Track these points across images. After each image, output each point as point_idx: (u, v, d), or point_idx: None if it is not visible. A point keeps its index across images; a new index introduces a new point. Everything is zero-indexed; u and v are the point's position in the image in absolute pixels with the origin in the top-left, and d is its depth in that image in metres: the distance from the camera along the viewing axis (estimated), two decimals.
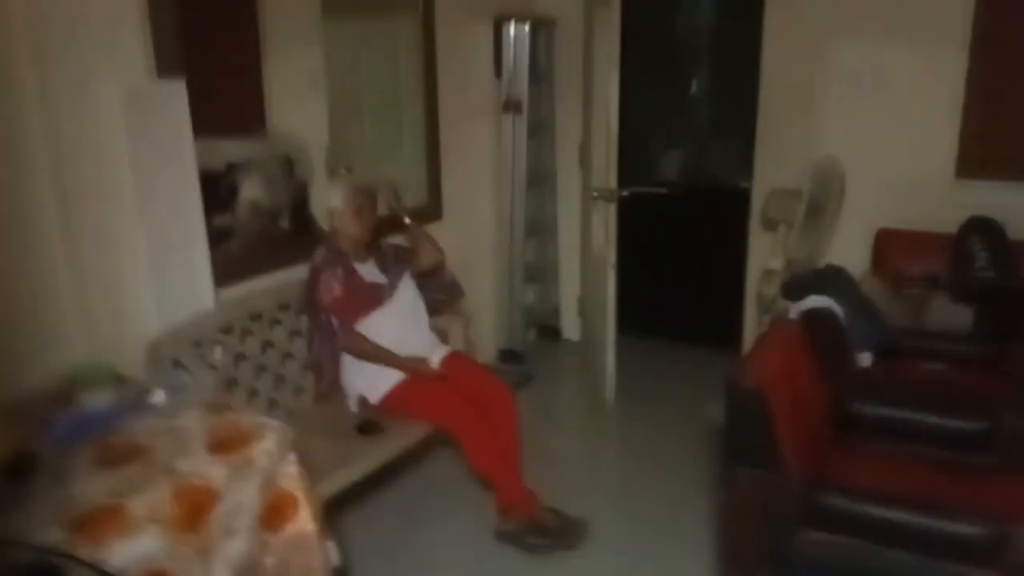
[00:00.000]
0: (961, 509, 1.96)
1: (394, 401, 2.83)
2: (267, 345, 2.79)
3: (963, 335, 3.17)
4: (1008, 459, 2.34)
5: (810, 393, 2.42)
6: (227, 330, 2.63)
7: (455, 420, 2.78)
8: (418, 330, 3.02)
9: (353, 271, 2.89)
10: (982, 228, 3.39)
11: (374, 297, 2.91)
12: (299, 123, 3.38)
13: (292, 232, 3.28)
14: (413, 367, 2.85)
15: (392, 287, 2.97)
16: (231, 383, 2.64)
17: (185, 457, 1.82)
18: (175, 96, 2.35)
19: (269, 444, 1.91)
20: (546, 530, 2.80)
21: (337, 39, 3.46)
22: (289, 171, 3.39)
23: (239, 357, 2.67)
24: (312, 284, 2.86)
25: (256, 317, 2.75)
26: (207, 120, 2.49)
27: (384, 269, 3.00)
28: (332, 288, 2.81)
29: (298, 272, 3.00)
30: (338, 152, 3.53)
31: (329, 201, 2.96)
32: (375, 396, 2.86)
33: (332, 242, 2.94)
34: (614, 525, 3.01)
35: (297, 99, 3.39)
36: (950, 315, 3.31)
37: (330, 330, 2.88)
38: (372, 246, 3.03)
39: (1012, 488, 2.17)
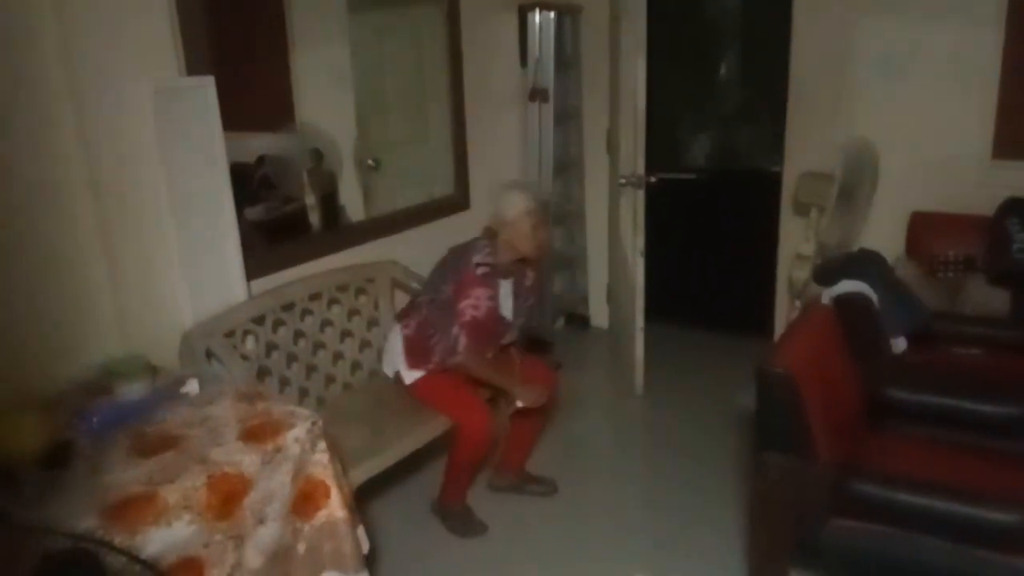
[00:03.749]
0: (996, 496, 1.92)
1: (424, 388, 2.82)
2: (298, 335, 2.83)
3: (1000, 319, 3.10)
4: None
5: (842, 379, 2.39)
6: (259, 320, 2.67)
7: (466, 418, 2.73)
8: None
9: (496, 295, 2.75)
10: (1020, 209, 3.31)
11: (497, 334, 2.83)
12: (327, 116, 3.42)
13: (321, 224, 3.32)
14: (523, 390, 2.77)
15: (514, 326, 2.87)
16: (263, 372, 2.69)
17: (218, 446, 1.85)
18: (205, 92, 2.38)
19: (300, 433, 1.94)
20: (536, 479, 3.03)
21: (363, 32, 3.48)
22: (318, 164, 3.42)
23: (271, 347, 2.71)
24: (462, 283, 2.69)
25: (288, 307, 2.79)
26: (236, 114, 2.52)
27: (516, 295, 2.84)
28: (480, 307, 2.68)
29: (329, 262, 3.03)
30: (366, 144, 3.56)
31: (503, 211, 2.72)
32: (409, 379, 2.82)
33: (492, 249, 2.73)
34: (644, 512, 3.02)
35: (324, 92, 3.42)
36: (986, 298, 3.24)
37: (451, 316, 2.69)
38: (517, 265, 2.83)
39: None
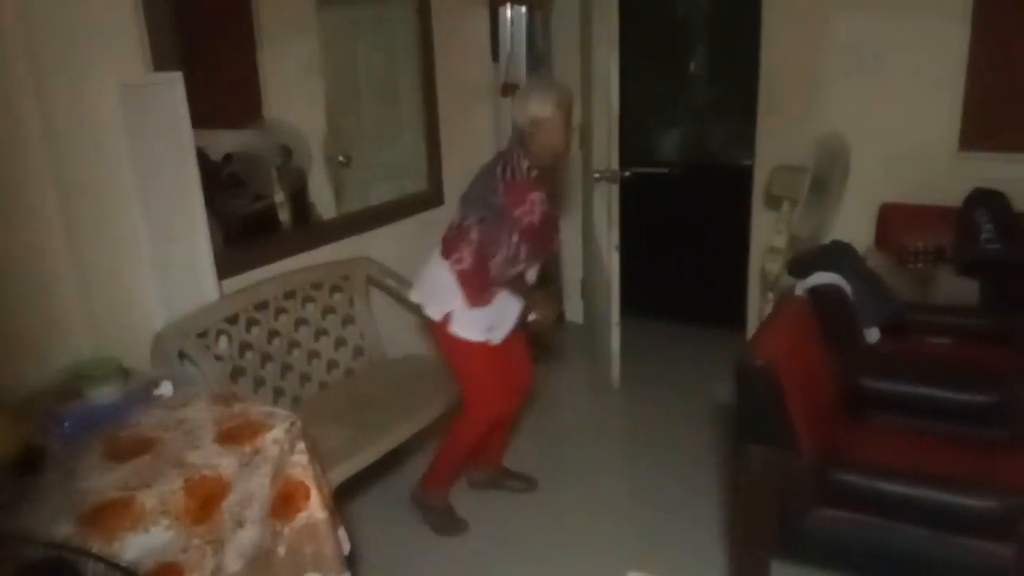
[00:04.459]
0: (974, 483, 1.95)
1: (463, 350, 2.66)
2: (272, 334, 2.79)
3: (970, 309, 3.15)
4: (1020, 432, 2.33)
5: (819, 369, 2.41)
6: (232, 320, 2.62)
7: (484, 400, 2.71)
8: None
9: (547, 198, 2.58)
10: (987, 200, 3.36)
11: (551, 240, 2.71)
12: (296, 112, 3.36)
13: (291, 221, 3.27)
14: (540, 304, 2.70)
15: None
16: (237, 373, 2.64)
17: (194, 449, 1.81)
18: (173, 88, 2.33)
19: (278, 434, 1.91)
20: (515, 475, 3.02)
21: (332, 26, 3.43)
22: (287, 160, 3.37)
23: (245, 347, 2.67)
24: (516, 189, 2.52)
25: (261, 306, 2.74)
26: (202, 111, 2.46)
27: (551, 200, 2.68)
28: (535, 212, 2.51)
29: (301, 260, 2.98)
30: (336, 140, 3.51)
31: (528, 110, 2.54)
32: (462, 330, 2.63)
33: (527, 153, 2.57)
34: (624, 506, 3.03)
35: (293, 88, 3.37)
36: (956, 289, 3.29)
37: (508, 226, 2.53)
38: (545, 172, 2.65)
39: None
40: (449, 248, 2.65)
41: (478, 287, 2.59)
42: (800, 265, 2.82)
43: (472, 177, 2.72)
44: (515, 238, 2.53)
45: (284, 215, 3.30)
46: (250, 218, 3.21)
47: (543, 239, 2.64)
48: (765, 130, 3.97)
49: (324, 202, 3.46)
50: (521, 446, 3.27)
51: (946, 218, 3.47)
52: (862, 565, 2.07)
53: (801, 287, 2.67)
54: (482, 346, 2.67)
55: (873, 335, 2.76)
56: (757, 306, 4.16)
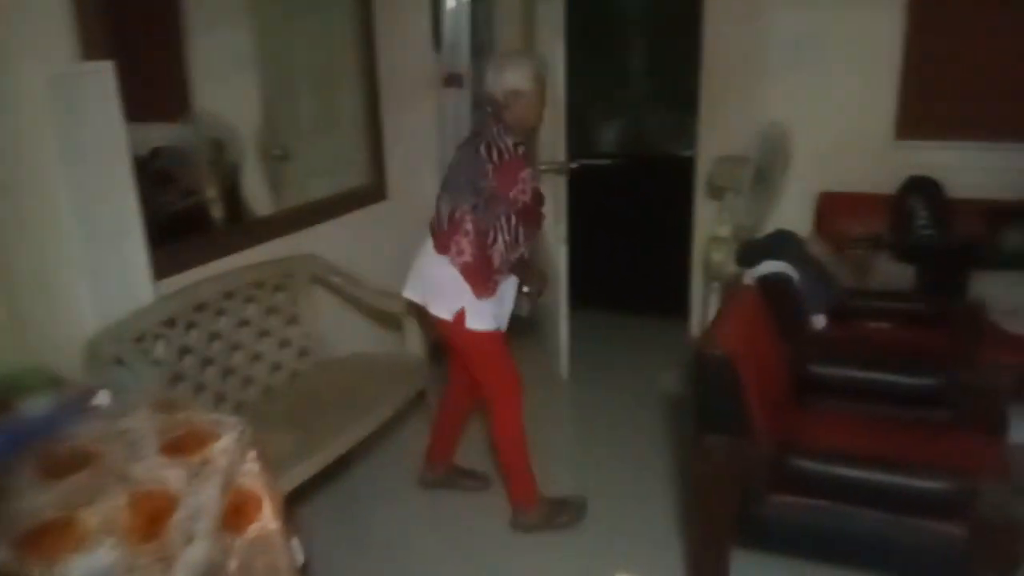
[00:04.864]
0: (927, 466, 1.99)
1: (487, 342, 2.57)
2: (213, 337, 2.67)
3: (907, 293, 3.25)
4: (961, 414, 2.40)
5: (771, 358, 2.43)
6: (170, 323, 2.50)
7: (511, 382, 2.64)
8: None
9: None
10: (922, 187, 3.47)
11: (540, 215, 2.61)
12: (229, 105, 3.23)
13: (225, 218, 3.14)
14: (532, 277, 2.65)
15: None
16: (176, 378, 2.52)
17: (138, 461, 1.70)
18: (103, 79, 2.20)
19: (227, 443, 1.81)
20: (559, 505, 2.79)
21: (266, 15, 3.30)
22: (219, 155, 3.24)
23: (184, 351, 2.55)
24: (507, 169, 2.41)
25: (200, 308, 2.62)
26: (128, 103, 2.33)
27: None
28: (527, 190, 2.43)
29: (242, 258, 2.86)
30: (272, 133, 3.39)
31: (506, 81, 2.45)
32: (477, 324, 2.52)
33: (506, 128, 2.46)
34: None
35: (225, 80, 3.23)
36: (893, 274, 3.39)
37: (504, 208, 2.44)
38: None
39: (968, 442, 2.23)
40: (443, 243, 2.52)
41: (484, 278, 2.49)
42: (748, 254, 2.85)
43: (440, 162, 2.63)
44: (513, 220, 2.45)
45: (217, 212, 3.16)
46: (181, 215, 3.07)
47: (536, 216, 2.57)
48: (707, 121, 4.01)
49: (260, 197, 3.34)
50: (470, 442, 3.22)
51: (883, 206, 3.57)
52: (821, 550, 2.10)
53: (750, 276, 2.70)
54: (496, 332, 2.60)
55: (820, 322, 2.82)
56: (700, 296, 4.21)
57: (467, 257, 2.47)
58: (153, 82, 2.99)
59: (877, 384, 2.51)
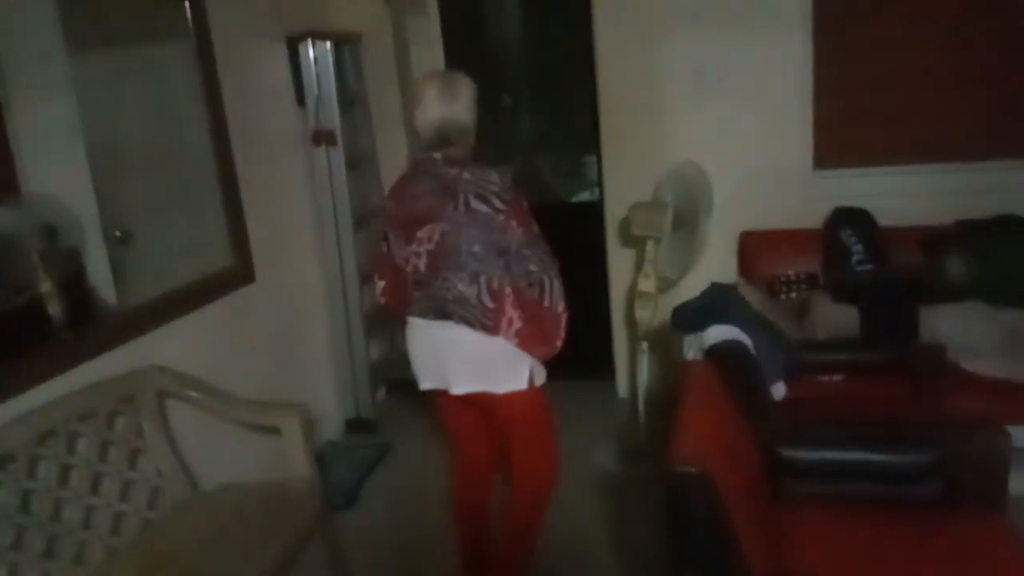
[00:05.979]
0: None
1: (539, 397, 2.31)
2: (27, 495, 2.02)
3: (856, 342, 2.93)
4: (955, 489, 2.05)
5: (741, 444, 2.00)
6: (8, 459, 1.92)
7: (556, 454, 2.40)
8: None
9: None
10: (851, 218, 3.21)
11: None
12: (62, 183, 2.64)
13: (66, 315, 2.50)
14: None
15: None
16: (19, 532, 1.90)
17: None
18: None
19: None
20: None
21: (92, 78, 2.74)
22: (52, 242, 2.63)
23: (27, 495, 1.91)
24: (518, 208, 2.17)
25: (5, 460, 1.98)
26: None
27: None
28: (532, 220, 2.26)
29: (94, 368, 2.28)
30: (110, 213, 2.79)
31: (465, 111, 2.19)
32: (537, 380, 2.28)
33: (474, 164, 2.21)
34: None
35: (55, 155, 2.65)
36: (834, 316, 3.07)
37: (537, 250, 2.19)
38: None
39: (972, 530, 1.87)
40: (492, 325, 2.15)
41: (549, 336, 2.20)
42: (687, 319, 2.44)
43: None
44: (549, 253, 2.19)
45: (55, 308, 2.53)
46: (10, 316, 2.44)
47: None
48: (611, 164, 3.65)
49: (107, 288, 2.73)
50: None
51: (811, 241, 3.29)
52: None
53: (696, 346, 2.29)
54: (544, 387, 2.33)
55: (779, 391, 2.43)
56: (626, 353, 3.82)
57: (521, 324, 2.16)
58: None
59: (858, 464, 2.12)
